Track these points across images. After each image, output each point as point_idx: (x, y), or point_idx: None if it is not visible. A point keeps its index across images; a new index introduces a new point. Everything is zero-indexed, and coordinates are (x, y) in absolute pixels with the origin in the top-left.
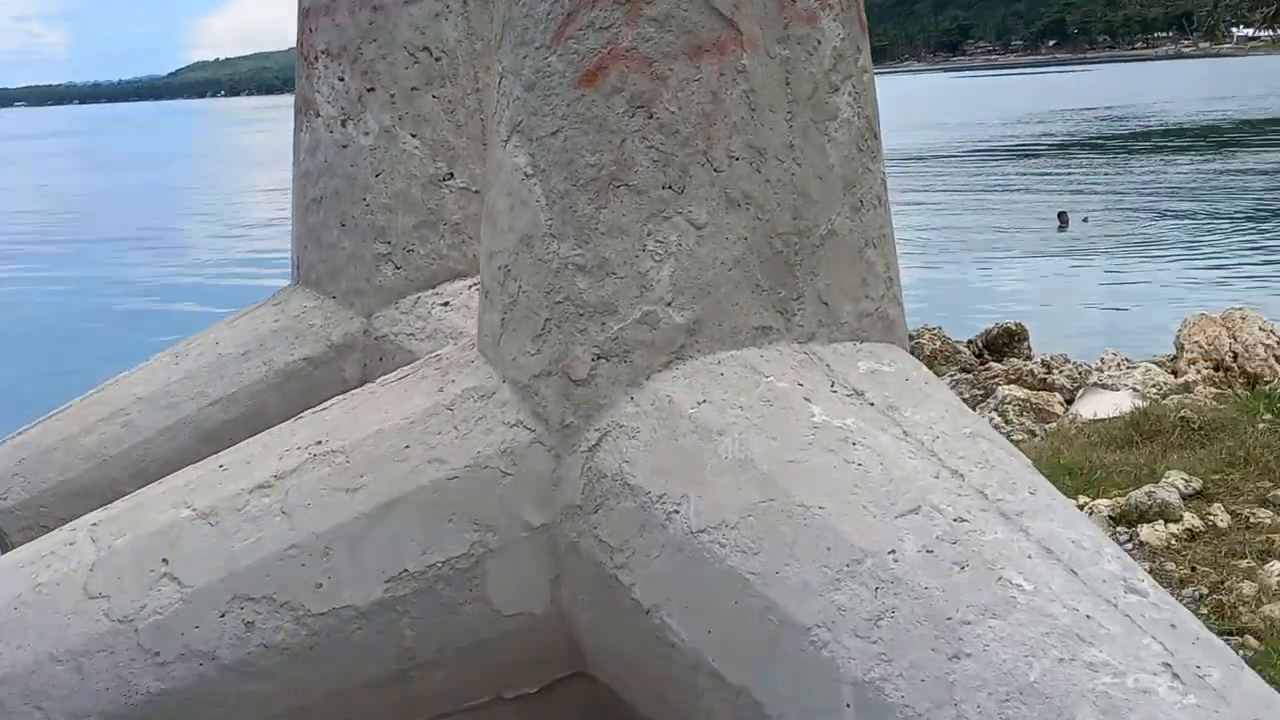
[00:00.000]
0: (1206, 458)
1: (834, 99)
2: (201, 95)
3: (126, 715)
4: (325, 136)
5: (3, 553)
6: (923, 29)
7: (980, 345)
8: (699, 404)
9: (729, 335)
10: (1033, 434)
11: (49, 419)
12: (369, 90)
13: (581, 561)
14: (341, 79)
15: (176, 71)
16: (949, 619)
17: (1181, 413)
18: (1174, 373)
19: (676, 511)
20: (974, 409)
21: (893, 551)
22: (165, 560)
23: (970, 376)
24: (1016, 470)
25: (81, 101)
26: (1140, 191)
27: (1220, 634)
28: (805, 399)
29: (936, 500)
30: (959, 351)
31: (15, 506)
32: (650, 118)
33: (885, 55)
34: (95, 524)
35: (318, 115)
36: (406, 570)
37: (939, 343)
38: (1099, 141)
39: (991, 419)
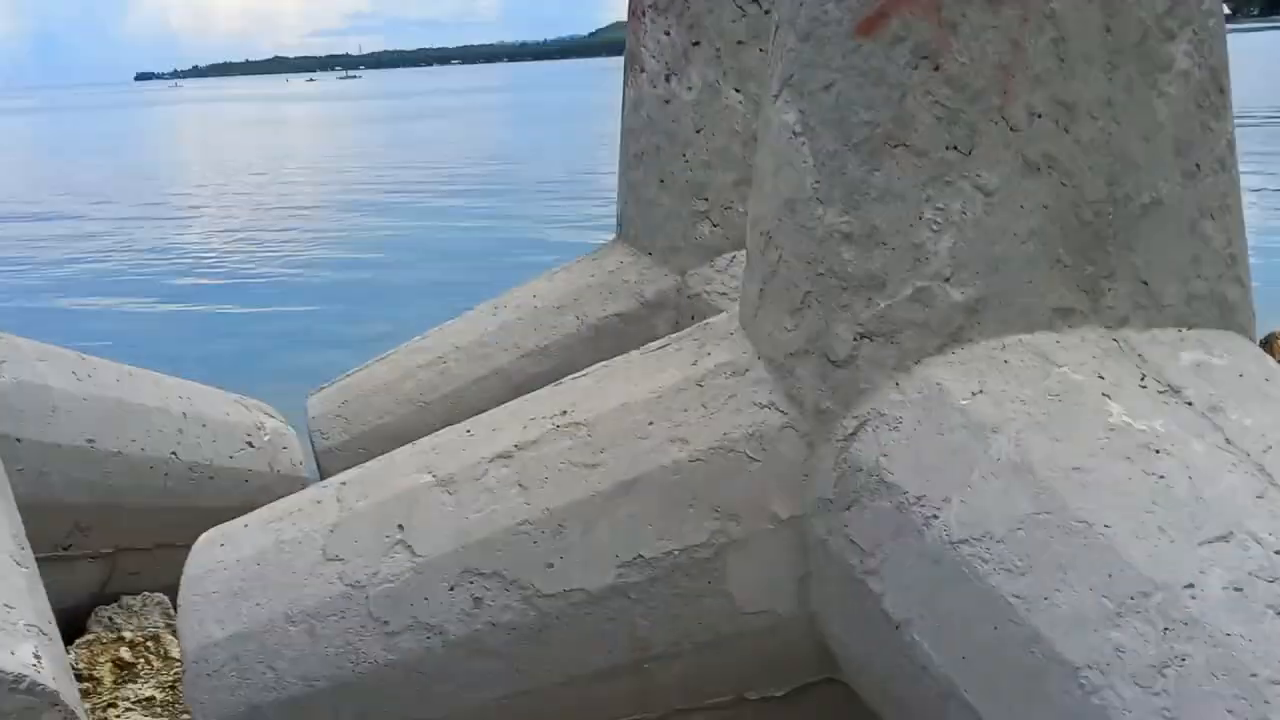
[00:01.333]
0: None
1: (1168, 47)
2: (619, 54)
3: (354, 683)
4: (649, 92)
5: None
6: None
7: None
8: (974, 395)
9: (1019, 317)
10: None
11: (374, 363)
12: (694, 44)
13: (830, 562)
14: (668, 33)
15: (596, 31)
16: (1254, 676)
17: None
18: None
19: (936, 516)
20: None
21: (1191, 586)
22: (401, 527)
23: None
24: None
25: (510, 59)
26: None
27: None
28: (1104, 394)
29: (1255, 527)
30: None
31: (336, 446)
32: (936, 69)
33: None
34: (344, 483)
35: (642, 71)
36: (641, 556)
37: None
38: None
39: None
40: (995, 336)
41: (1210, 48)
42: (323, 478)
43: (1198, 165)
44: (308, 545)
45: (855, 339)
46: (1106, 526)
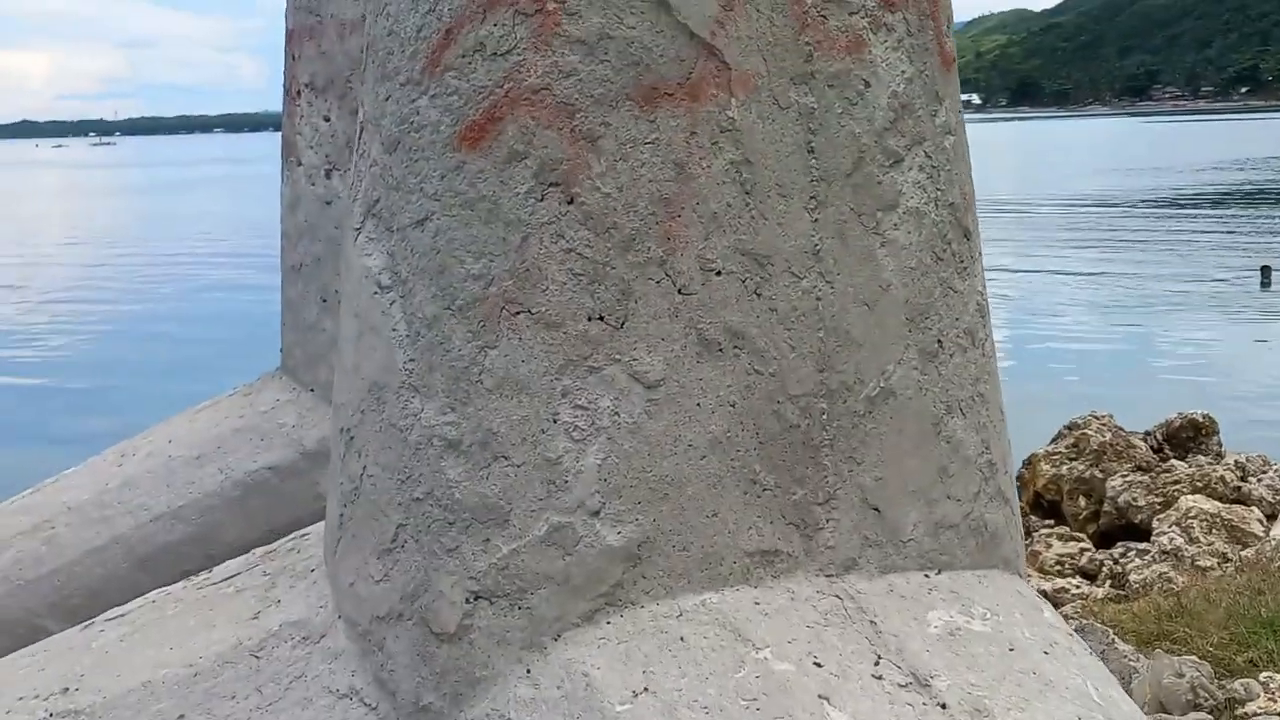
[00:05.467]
0: None
1: (892, 176)
2: None
3: None
4: (306, 190)
5: None
6: (1108, 73)
7: (1160, 439)
8: (635, 696)
9: (700, 568)
10: (1224, 559)
11: None
12: (361, 132)
13: None
14: (327, 119)
15: None
16: None
17: None
18: None
19: None
20: (1152, 521)
21: None
22: None
23: (1147, 479)
24: None
25: (275, 129)
26: None
27: None
28: (822, 696)
29: None
30: (1134, 446)
31: None
32: (570, 202)
33: (1069, 99)
34: None
35: (299, 164)
36: None
37: (1110, 434)
38: None
39: (1172, 538)
40: (667, 598)
41: (949, 175)
42: None
43: (939, 341)
44: None
45: (468, 600)
46: None
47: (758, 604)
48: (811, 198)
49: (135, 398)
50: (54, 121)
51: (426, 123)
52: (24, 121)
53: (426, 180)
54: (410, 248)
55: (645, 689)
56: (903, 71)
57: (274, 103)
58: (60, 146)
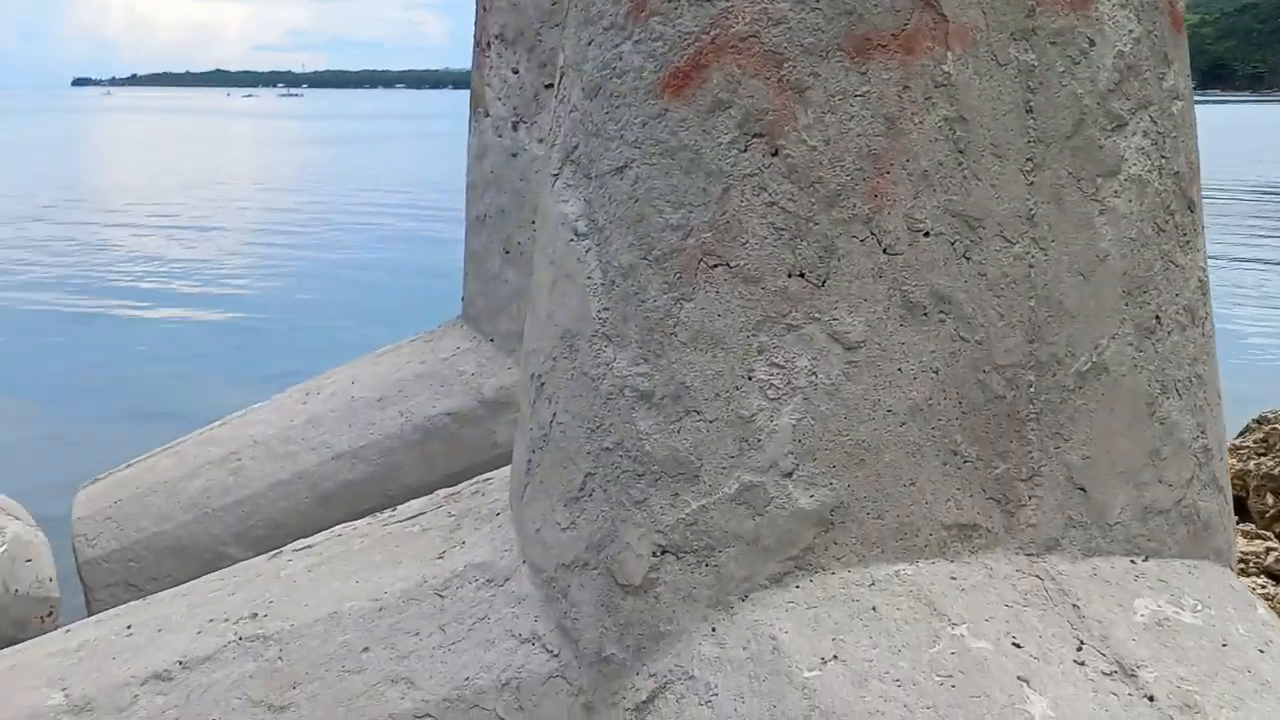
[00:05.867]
0: None
1: (1115, 141)
2: None
3: None
4: (493, 142)
5: (88, 612)
6: None
7: None
8: (824, 663)
9: (895, 537)
10: None
11: (158, 453)
12: (547, 86)
13: None
14: (516, 71)
15: None
16: None
17: None
18: None
19: None
20: None
21: None
22: None
23: None
24: None
25: (455, 86)
26: None
27: None
28: (1021, 678)
29: None
30: None
31: (103, 557)
32: (775, 154)
33: (1263, 83)
34: None
35: (487, 115)
36: None
37: None
38: None
39: None
40: (859, 566)
41: (1175, 143)
42: (86, 596)
43: (1157, 317)
44: None
45: (654, 554)
46: None
47: (954, 579)
48: (1028, 159)
49: (319, 339)
50: (246, 71)
51: (629, 68)
52: (218, 70)
53: (627, 127)
54: (608, 195)
55: (835, 656)
56: (1130, 30)
57: (455, 60)
58: (250, 96)
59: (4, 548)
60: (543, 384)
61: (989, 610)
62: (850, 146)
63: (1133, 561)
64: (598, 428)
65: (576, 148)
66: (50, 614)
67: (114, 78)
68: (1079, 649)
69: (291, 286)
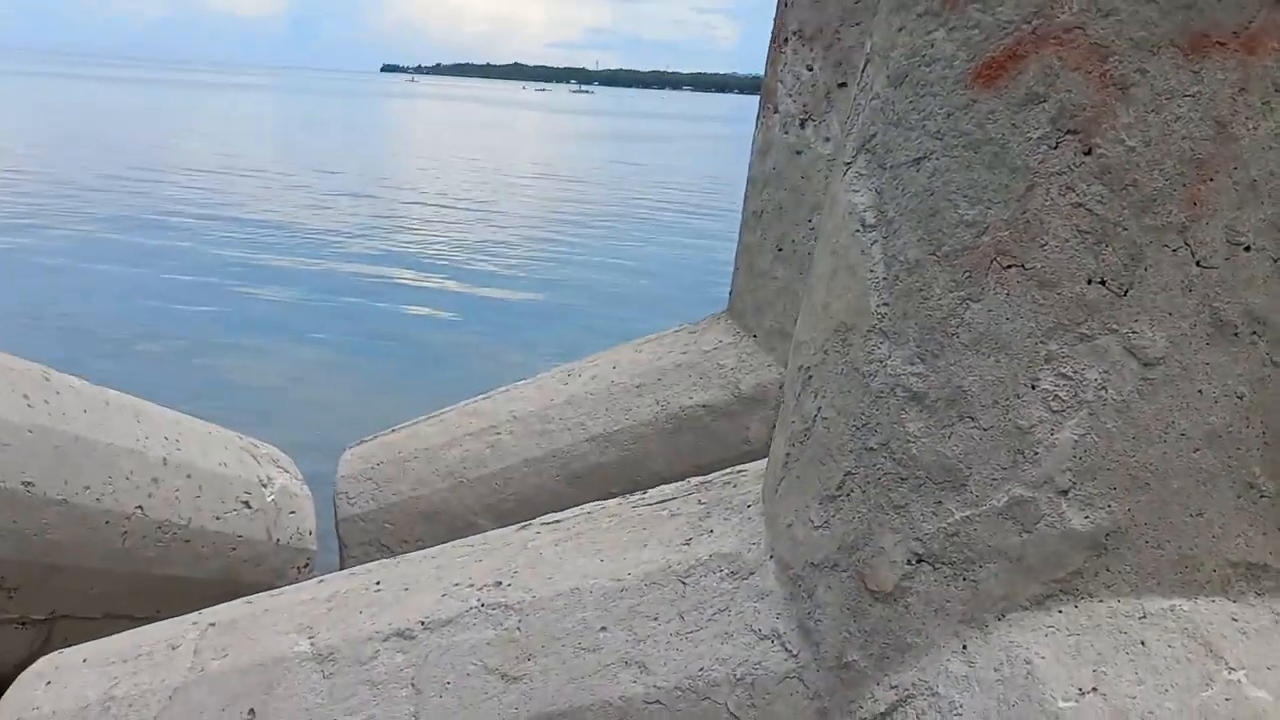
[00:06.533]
0: None
1: None
2: None
3: None
4: (779, 138)
5: (340, 566)
6: None
7: None
8: (1081, 695)
9: (1175, 570)
10: None
11: (422, 421)
12: (840, 85)
13: None
14: (810, 68)
15: None
16: None
17: None
18: None
19: None
20: None
21: None
22: (252, 713)
23: None
24: None
25: (741, 92)
26: None
27: None
28: None
29: None
30: None
31: (360, 515)
32: (1088, 153)
33: None
34: (212, 624)
35: (776, 111)
36: None
37: None
38: None
39: None
40: (1130, 596)
41: None
42: (341, 552)
43: None
44: (136, 714)
45: (910, 562)
46: None
47: (1235, 620)
48: None
49: (583, 323)
50: (541, 66)
51: (940, 56)
52: (515, 64)
53: (930, 117)
54: (901, 187)
55: (1094, 689)
56: None
57: (743, 65)
58: (543, 90)
59: (271, 498)
60: (810, 376)
61: (1272, 658)
62: (1172, 150)
63: None
64: (863, 426)
65: (874, 136)
66: (306, 565)
67: (420, 65)
68: None
69: (558, 271)
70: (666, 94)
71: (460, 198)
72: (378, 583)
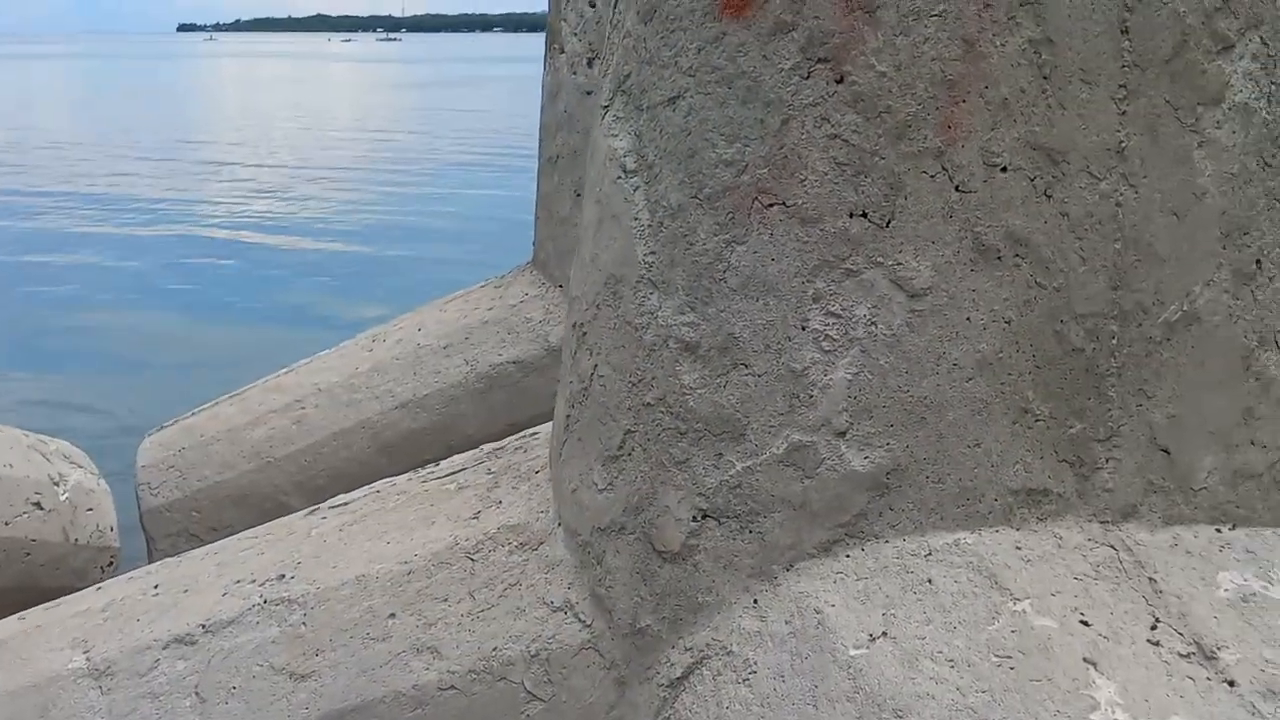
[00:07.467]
0: None
1: (1220, 65)
2: None
3: None
4: (568, 79)
5: (149, 560)
6: None
7: None
8: (872, 640)
9: (956, 503)
10: None
11: (223, 401)
12: (617, 2)
13: None
14: (593, 4)
15: None
16: None
17: None
18: None
19: None
20: None
21: None
22: None
23: None
24: None
25: None
26: None
27: None
28: (1087, 660)
29: None
30: None
31: (165, 506)
32: (840, 81)
33: None
34: None
35: (562, 51)
36: None
37: None
38: None
39: None
40: (915, 534)
41: None
42: (148, 546)
43: (1258, 261)
44: None
45: (694, 519)
46: None
47: (1019, 549)
48: (1120, 86)
49: (398, 281)
50: (346, 16)
51: None
52: (318, 15)
53: (682, 53)
54: (659, 128)
55: (884, 633)
56: None
57: None
58: (349, 41)
59: (65, 496)
60: (584, 333)
61: (1056, 584)
62: (923, 72)
63: (1218, 530)
64: (640, 381)
65: (629, 77)
66: (111, 564)
67: (218, 23)
68: (1154, 627)
69: (371, 228)
70: (477, 36)
71: (271, 156)
72: (155, 586)
